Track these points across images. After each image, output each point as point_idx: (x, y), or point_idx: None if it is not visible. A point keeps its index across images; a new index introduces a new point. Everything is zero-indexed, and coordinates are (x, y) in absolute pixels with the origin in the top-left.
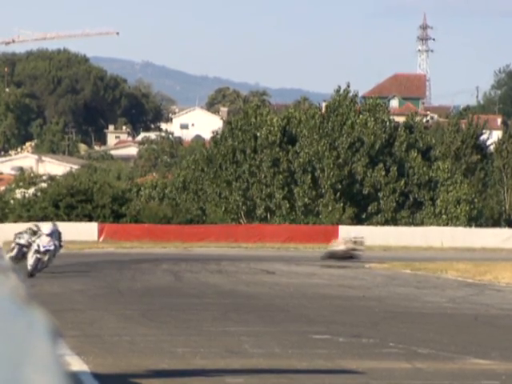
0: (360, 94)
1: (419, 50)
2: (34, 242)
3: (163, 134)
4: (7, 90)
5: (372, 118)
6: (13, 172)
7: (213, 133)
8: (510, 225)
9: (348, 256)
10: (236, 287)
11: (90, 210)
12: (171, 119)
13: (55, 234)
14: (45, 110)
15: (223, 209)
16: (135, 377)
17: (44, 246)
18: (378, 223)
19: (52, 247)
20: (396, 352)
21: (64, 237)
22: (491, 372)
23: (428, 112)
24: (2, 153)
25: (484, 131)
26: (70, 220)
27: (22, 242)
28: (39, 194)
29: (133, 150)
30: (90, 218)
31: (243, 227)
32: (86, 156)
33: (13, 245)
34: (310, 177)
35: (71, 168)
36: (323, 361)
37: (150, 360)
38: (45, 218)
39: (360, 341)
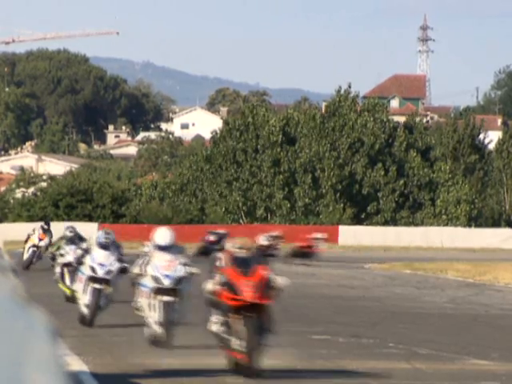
0: (360, 95)
1: (419, 51)
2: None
3: (163, 134)
4: (7, 89)
5: (371, 119)
6: (13, 172)
7: (212, 133)
8: (510, 225)
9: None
10: None
11: (90, 210)
12: (172, 119)
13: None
14: (45, 109)
15: (223, 209)
16: (135, 377)
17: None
18: (377, 223)
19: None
20: (396, 352)
21: None
22: (491, 373)
23: (428, 112)
24: (2, 152)
25: (481, 131)
26: (69, 220)
27: (70, 258)
28: (39, 193)
29: (132, 150)
30: (90, 218)
31: (243, 227)
32: (86, 155)
33: (58, 270)
34: (310, 177)
35: (71, 167)
36: (323, 361)
37: (150, 360)
38: (44, 218)
39: (360, 341)
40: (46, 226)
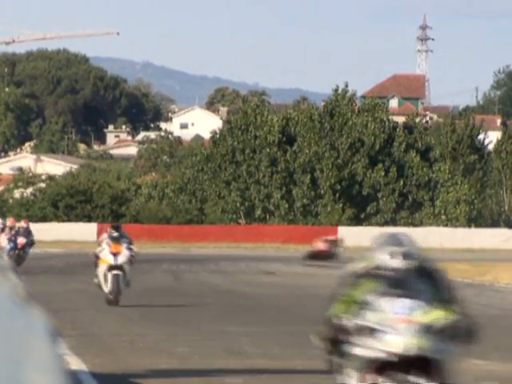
0: (359, 94)
1: (419, 50)
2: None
3: (163, 134)
4: (7, 89)
5: (371, 118)
6: (11, 172)
7: (212, 132)
8: (509, 225)
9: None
10: (235, 287)
11: (90, 210)
12: (171, 119)
13: None
14: (44, 110)
15: (222, 209)
16: (135, 377)
17: None
18: (377, 224)
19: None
20: None
21: (64, 237)
22: (491, 373)
23: (427, 112)
24: (2, 154)
25: (480, 131)
26: (69, 220)
27: None
28: (38, 193)
29: (132, 150)
30: (89, 219)
31: (242, 227)
32: (86, 155)
33: None
34: (309, 177)
35: (71, 168)
36: (323, 361)
37: (150, 360)
38: (43, 219)
39: None
40: (115, 233)
